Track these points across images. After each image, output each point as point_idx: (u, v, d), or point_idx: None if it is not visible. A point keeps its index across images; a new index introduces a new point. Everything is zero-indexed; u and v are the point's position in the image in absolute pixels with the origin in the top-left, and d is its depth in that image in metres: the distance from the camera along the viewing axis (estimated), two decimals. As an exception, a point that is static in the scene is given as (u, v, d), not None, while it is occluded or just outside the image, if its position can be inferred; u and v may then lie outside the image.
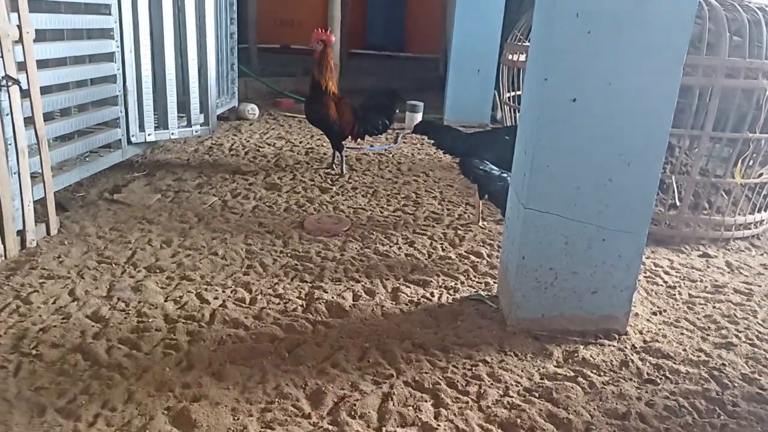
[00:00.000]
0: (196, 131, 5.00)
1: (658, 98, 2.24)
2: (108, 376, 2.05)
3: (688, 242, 3.63)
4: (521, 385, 2.12)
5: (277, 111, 7.17)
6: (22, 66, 2.96)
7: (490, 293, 2.81)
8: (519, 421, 1.92)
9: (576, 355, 2.33)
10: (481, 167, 3.29)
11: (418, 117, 6.42)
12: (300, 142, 5.70)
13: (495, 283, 2.90)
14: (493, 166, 3.31)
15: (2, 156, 2.82)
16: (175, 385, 2.03)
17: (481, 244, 3.42)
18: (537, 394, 2.07)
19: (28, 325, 2.34)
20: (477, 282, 2.93)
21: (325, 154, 5.28)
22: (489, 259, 3.20)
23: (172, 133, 4.74)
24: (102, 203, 3.80)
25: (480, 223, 3.74)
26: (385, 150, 5.58)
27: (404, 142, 5.92)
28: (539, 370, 2.22)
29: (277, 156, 5.18)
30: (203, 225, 3.52)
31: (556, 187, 2.33)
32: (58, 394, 1.94)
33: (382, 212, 3.91)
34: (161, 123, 4.63)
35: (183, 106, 4.84)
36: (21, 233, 3.02)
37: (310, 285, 2.83)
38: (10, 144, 2.91)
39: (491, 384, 2.12)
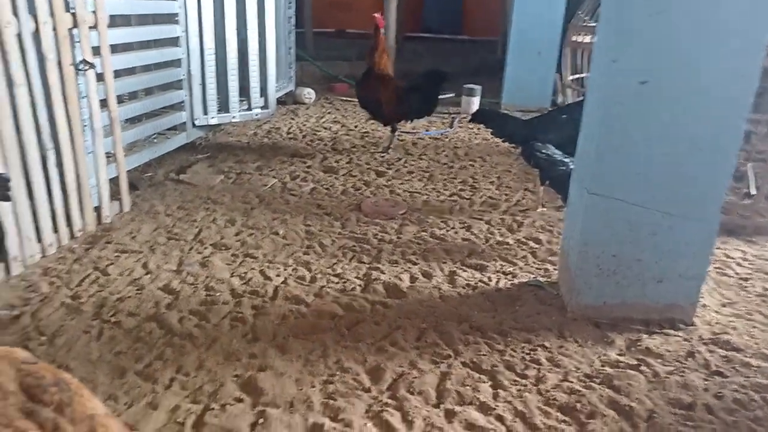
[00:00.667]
0: (256, 114, 5.12)
1: (736, 82, 2.14)
2: (180, 344, 2.16)
3: (761, 233, 3.47)
4: (581, 371, 2.10)
5: (333, 95, 7.24)
6: (96, 51, 3.11)
7: (549, 279, 2.78)
8: (579, 405, 1.91)
9: (639, 343, 2.28)
10: (543, 151, 3.23)
11: (476, 101, 6.35)
12: (355, 127, 5.75)
13: (554, 269, 2.87)
14: (556, 150, 3.25)
15: (79, 136, 2.99)
16: (242, 355, 2.12)
17: (540, 230, 3.38)
18: (598, 381, 2.05)
19: (106, 294, 2.50)
20: (536, 268, 2.91)
21: (380, 138, 5.31)
22: (548, 246, 3.16)
23: (234, 117, 4.88)
24: (169, 183, 3.96)
25: (539, 209, 3.69)
26: (441, 135, 5.56)
27: (460, 127, 5.88)
28: (600, 357, 2.19)
29: (333, 140, 5.25)
30: (264, 206, 3.62)
31: (622, 171, 2.27)
32: (136, 358, 2.08)
33: (438, 196, 3.91)
34: (223, 106, 4.76)
35: (243, 90, 4.97)
36: (98, 209, 3.20)
37: (367, 266, 2.88)
38: (86, 125, 3.08)
39: (550, 369, 2.11)
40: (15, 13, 2.55)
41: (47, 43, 2.72)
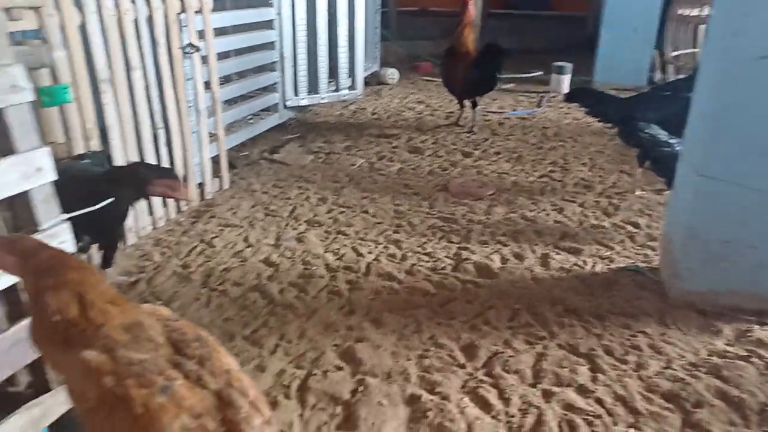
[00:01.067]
0: (344, 95, 5.22)
1: None
2: (282, 313, 2.28)
3: None
4: (685, 360, 2.02)
5: (416, 75, 7.22)
6: (200, 35, 3.27)
7: (649, 265, 2.68)
8: (684, 393, 1.84)
9: (749, 334, 2.16)
10: (646, 130, 3.08)
11: (566, 79, 6.13)
12: (440, 106, 5.72)
13: (655, 254, 2.75)
14: (660, 130, 3.09)
15: (186, 117, 3.18)
16: (340, 326, 2.21)
17: (639, 214, 3.24)
18: (704, 370, 1.96)
19: (213, 265, 2.67)
20: (634, 253, 2.80)
21: (465, 117, 5.26)
22: (647, 230, 3.03)
23: (322, 98, 4.99)
24: (263, 162, 4.13)
25: (637, 192, 3.53)
26: (528, 114, 5.43)
27: (549, 106, 5.71)
28: (706, 346, 2.10)
29: (417, 120, 5.26)
30: (353, 185, 3.71)
31: (738, 152, 2.13)
32: (242, 325, 2.21)
33: (527, 177, 3.84)
34: (312, 87, 4.88)
35: (331, 71, 5.06)
36: (201, 186, 3.40)
37: (457, 246, 2.89)
38: (191, 106, 3.26)
39: (652, 355, 2.05)
40: (132, 0, 2.73)
41: (159, 28, 2.90)
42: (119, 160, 2.71)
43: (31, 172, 1.43)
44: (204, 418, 0.99)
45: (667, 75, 4.85)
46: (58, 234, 1.51)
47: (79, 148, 2.46)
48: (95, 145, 2.55)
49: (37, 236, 1.42)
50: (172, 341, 1.09)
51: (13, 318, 1.50)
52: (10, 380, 1.56)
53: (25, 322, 1.41)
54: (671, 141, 2.97)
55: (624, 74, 6.12)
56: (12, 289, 1.45)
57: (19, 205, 1.47)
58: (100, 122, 2.62)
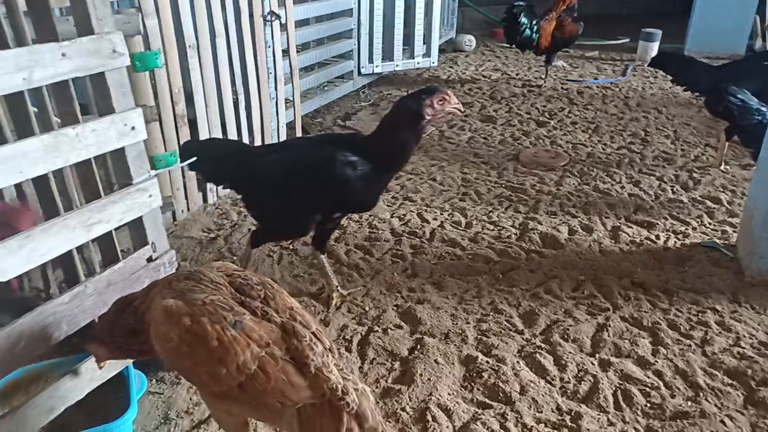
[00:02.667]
0: (418, 63, 5.21)
1: None
2: (348, 273, 2.39)
3: None
4: (756, 338, 1.95)
5: (494, 42, 7.05)
6: (280, 3, 3.37)
7: (727, 242, 2.56)
8: (750, 372, 1.79)
9: (831, 317, 2.04)
10: (738, 95, 2.88)
11: (654, 47, 5.79)
12: (516, 75, 5.58)
13: (734, 231, 2.62)
14: (753, 97, 2.89)
15: (265, 83, 3.31)
16: (402, 287, 2.29)
17: (721, 189, 3.08)
18: (776, 351, 1.89)
19: (285, 225, 2.81)
20: (711, 229, 2.68)
21: (542, 87, 5.11)
22: (728, 206, 2.88)
23: (397, 65, 5.01)
24: (336, 129, 4.23)
25: (722, 167, 3.34)
26: (611, 83, 5.20)
27: (634, 75, 5.43)
28: (781, 326, 2.01)
29: (492, 88, 5.16)
30: (422, 152, 3.73)
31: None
32: (310, 281, 2.34)
33: (604, 149, 3.72)
34: (387, 55, 4.90)
35: (406, 39, 5.05)
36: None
37: (524, 216, 2.88)
38: (270, 73, 3.39)
39: (719, 332, 1.99)
40: (218, -31, 2.85)
41: (242, -4, 3.02)
42: (203, 124, 2.87)
43: (126, 130, 1.55)
44: (271, 347, 1.12)
45: (766, 43, 4.47)
46: (147, 188, 1.63)
47: (167, 111, 2.64)
48: (181, 108, 2.72)
49: (129, 189, 1.57)
50: (236, 286, 1.21)
51: (107, 262, 1.67)
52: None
53: (118, 265, 1.58)
54: (763, 109, 2.77)
55: (719, 42, 5.70)
56: (107, 236, 1.61)
57: (115, 162, 1.62)
58: (187, 87, 2.79)
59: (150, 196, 1.65)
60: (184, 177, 2.82)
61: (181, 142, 2.68)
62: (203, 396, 1.31)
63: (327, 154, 1.92)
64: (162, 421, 1.67)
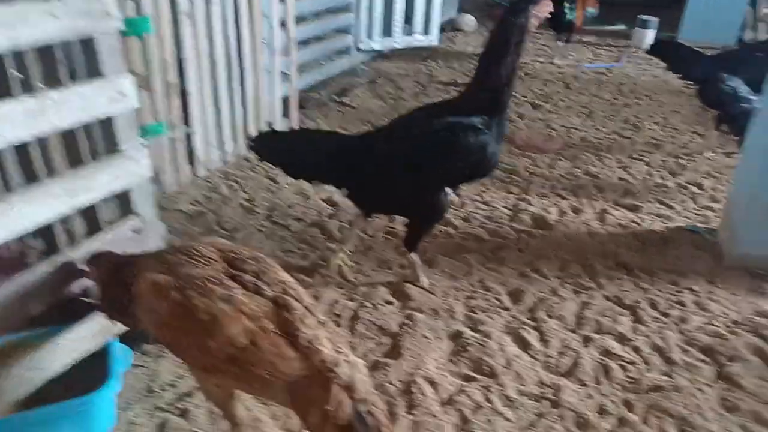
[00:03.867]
0: (418, 41, 5.18)
1: None
2: (339, 249, 2.44)
3: None
4: (728, 318, 2.05)
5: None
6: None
7: (707, 226, 2.64)
8: (722, 348, 1.89)
9: (801, 300, 2.14)
10: (729, 83, 2.95)
11: (650, 34, 5.82)
12: (513, 57, 5.58)
13: (715, 216, 2.71)
14: (742, 84, 2.95)
15: (260, 54, 3.28)
16: (393, 264, 2.35)
17: (705, 175, 3.16)
18: (746, 328, 1.99)
19: (277, 201, 2.85)
20: (694, 214, 2.77)
21: (540, 70, 5.14)
22: (711, 192, 2.96)
23: (396, 42, 4.99)
24: (332, 105, 4.25)
25: (707, 154, 3.42)
26: (606, 69, 5.23)
27: (629, 61, 5.47)
28: (752, 306, 2.11)
29: (489, 70, 5.17)
30: (418, 131, 3.76)
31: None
32: (301, 256, 2.40)
33: (596, 134, 3.78)
34: (386, 31, 4.88)
35: (407, 16, 5.02)
36: (270, 124, 3.56)
37: (516, 197, 2.94)
38: (265, 43, 3.35)
39: (695, 311, 2.08)
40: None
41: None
42: (194, 92, 2.84)
43: (116, 96, 1.50)
44: (262, 320, 1.14)
45: (757, 34, 4.51)
46: (136, 157, 1.59)
47: (156, 80, 2.59)
48: (172, 76, 2.68)
49: (117, 157, 1.54)
50: (228, 260, 1.24)
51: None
52: (86, 290, 1.59)
53: (102, 235, 1.58)
54: (751, 97, 2.84)
55: (712, 32, 5.73)
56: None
57: (104, 130, 1.55)
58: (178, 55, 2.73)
59: (139, 164, 1.61)
60: (173, 148, 2.81)
61: (251, 135, 2.53)
62: (192, 369, 1.33)
63: (455, 124, 1.91)
64: (145, 393, 1.69)
